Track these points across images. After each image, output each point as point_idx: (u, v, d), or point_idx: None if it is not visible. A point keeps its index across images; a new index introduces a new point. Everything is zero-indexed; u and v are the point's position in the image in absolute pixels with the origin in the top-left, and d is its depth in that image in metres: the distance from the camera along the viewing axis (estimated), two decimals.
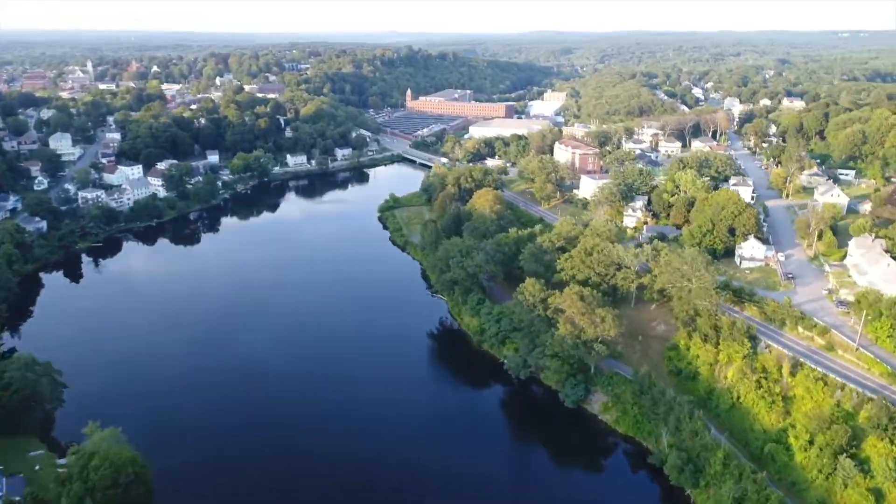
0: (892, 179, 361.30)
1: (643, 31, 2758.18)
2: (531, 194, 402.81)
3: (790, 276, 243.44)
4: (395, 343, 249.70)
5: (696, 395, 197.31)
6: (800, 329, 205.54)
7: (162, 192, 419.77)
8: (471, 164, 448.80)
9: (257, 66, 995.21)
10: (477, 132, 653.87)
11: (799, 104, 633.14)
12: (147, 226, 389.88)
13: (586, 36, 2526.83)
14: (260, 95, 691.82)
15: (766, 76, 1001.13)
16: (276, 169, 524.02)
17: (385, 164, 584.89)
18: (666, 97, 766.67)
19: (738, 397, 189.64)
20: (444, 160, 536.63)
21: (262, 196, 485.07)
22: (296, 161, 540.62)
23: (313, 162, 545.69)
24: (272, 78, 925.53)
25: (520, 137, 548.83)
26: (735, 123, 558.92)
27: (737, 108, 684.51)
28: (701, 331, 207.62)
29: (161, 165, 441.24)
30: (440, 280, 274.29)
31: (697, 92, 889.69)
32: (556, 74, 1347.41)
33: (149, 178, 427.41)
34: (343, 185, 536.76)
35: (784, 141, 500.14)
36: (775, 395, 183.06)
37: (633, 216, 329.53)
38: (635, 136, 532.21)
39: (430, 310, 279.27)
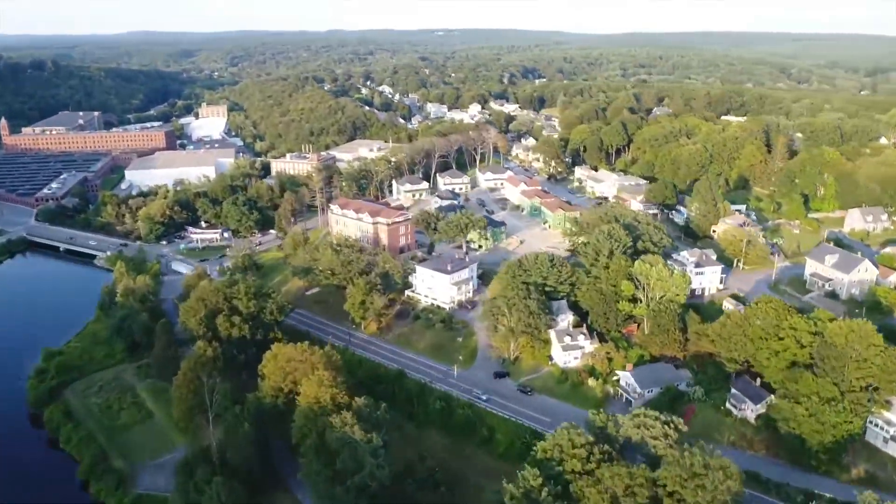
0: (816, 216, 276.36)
1: (259, 31, 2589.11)
2: (326, 303, 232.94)
3: None
4: None
5: None
6: None
7: None
8: (229, 277, 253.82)
9: None
10: (139, 177, 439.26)
11: (510, 107, 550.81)
12: None
13: (193, 36, 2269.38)
14: None
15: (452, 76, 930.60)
16: None
17: None
18: (377, 110, 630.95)
19: None
20: (119, 244, 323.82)
21: None
22: None
23: None
24: None
25: (234, 188, 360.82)
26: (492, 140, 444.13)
27: (476, 116, 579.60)
28: None
29: None
30: None
31: (388, 93, 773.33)
32: (191, 82, 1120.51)
33: None
34: None
35: (579, 161, 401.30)
36: None
37: (575, 347, 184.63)
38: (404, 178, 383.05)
39: None
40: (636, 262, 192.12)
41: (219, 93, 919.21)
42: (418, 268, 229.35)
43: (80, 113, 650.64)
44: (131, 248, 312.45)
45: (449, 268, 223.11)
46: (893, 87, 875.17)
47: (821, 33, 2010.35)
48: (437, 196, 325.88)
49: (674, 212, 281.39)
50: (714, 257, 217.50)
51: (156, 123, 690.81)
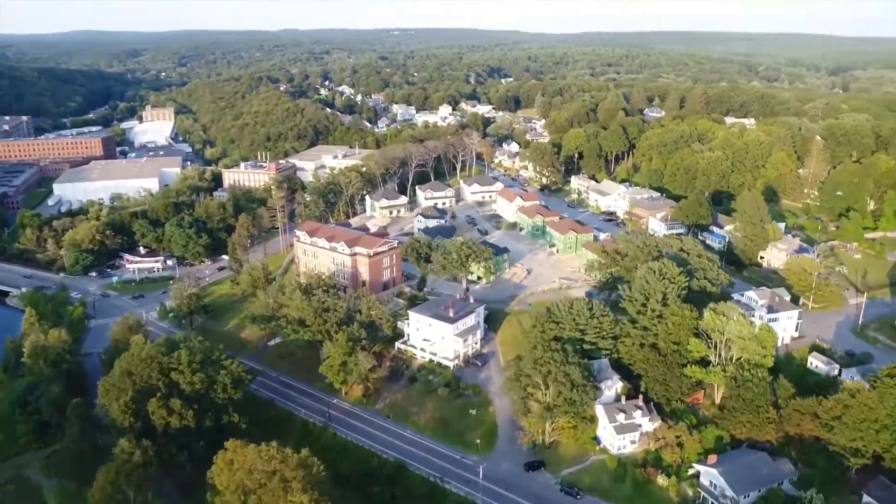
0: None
1: (209, 30, 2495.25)
2: (293, 357, 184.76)
3: None
4: None
5: None
6: None
7: None
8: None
9: None
10: (70, 192, 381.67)
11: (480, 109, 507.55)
12: None
13: (140, 35, 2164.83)
14: None
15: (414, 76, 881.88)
16: None
17: None
18: (340, 112, 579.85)
19: None
20: (28, 280, 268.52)
21: None
22: None
23: None
24: None
25: (178, 206, 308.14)
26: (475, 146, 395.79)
27: (448, 118, 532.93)
28: None
29: None
30: None
31: (349, 94, 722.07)
32: (136, 83, 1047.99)
33: None
34: None
35: (573, 170, 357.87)
36: None
37: (630, 428, 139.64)
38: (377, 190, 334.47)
39: None
40: (706, 313, 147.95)
41: (165, 94, 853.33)
42: (412, 314, 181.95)
43: (7, 118, 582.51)
44: (51, 282, 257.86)
45: (451, 314, 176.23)
46: (863, 85, 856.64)
47: (769, 32, 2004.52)
48: (421, 214, 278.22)
49: (706, 233, 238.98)
50: (787, 297, 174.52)
51: (95, 128, 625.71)
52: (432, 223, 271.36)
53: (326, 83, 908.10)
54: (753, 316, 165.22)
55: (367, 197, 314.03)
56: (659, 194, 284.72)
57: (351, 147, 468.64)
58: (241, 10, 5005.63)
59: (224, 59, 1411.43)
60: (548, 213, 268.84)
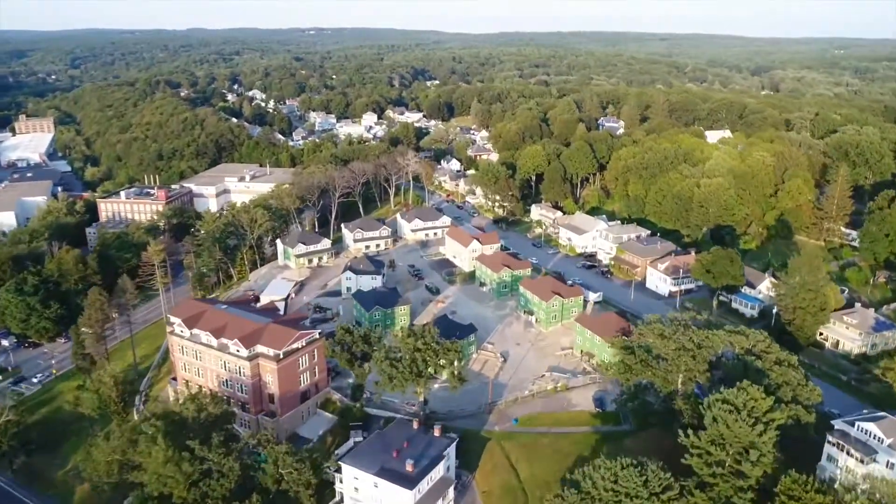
0: None
1: (108, 28, 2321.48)
2: None
3: None
4: None
5: None
6: None
7: None
8: None
9: None
10: None
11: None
12: None
13: (30, 35, 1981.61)
14: None
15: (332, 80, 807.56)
16: None
17: None
18: (248, 122, 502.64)
19: None
20: None
21: None
22: None
23: None
24: None
25: (20, 261, 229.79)
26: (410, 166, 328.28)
27: (373, 128, 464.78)
28: None
29: None
30: None
31: (260, 100, 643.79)
32: (16, 88, 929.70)
33: None
34: None
35: (533, 196, 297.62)
36: None
37: None
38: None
39: None
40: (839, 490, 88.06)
41: (48, 100, 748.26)
42: (346, 467, 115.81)
43: None
44: None
45: (409, 469, 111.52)
46: (792, 86, 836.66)
47: (677, 33, 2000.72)
48: (350, 269, 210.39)
49: (734, 295, 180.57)
50: None
51: None
52: (365, 281, 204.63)
53: (235, 87, 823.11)
54: (875, 459, 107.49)
55: (278, 242, 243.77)
56: (653, 234, 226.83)
57: (261, 165, 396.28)
58: (145, 7, 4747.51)
59: (123, 61, 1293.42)
60: (517, 263, 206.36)
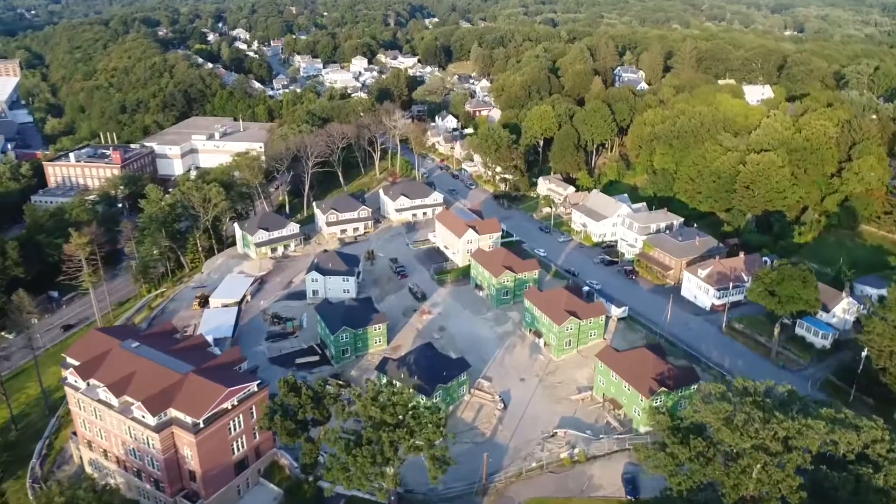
0: None
1: None
2: None
3: None
4: None
5: None
6: None
7: None
8: None
9: None
10: None
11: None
12: None
13: None
14: None
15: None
16: None
17: None
18: (224, 68, 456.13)
19: None
20: None
21: None
22: None
23: None
24: None
25: None
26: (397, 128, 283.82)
27: (363, 75, 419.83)
28: None
29: None
30: None
31: (243, 41, 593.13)
32: None
33: None
34: None
35: (540, 165, 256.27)
36: None
37: None
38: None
39: None
40: None
41: (18, 40, 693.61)
42: None
43: None
44: None
45: None
46: (817, 25, 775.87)
47: None
48: (315, 268, 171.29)
49: (801, 319, 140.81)
50: None
51: None
52: (335, 284, 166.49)
53: (220, 25, 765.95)
54: None
55: (235, 226, 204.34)
56: (687, 223, 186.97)
57: (235, 120, 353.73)
58: None
59: None
60: (521, 264, 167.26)
